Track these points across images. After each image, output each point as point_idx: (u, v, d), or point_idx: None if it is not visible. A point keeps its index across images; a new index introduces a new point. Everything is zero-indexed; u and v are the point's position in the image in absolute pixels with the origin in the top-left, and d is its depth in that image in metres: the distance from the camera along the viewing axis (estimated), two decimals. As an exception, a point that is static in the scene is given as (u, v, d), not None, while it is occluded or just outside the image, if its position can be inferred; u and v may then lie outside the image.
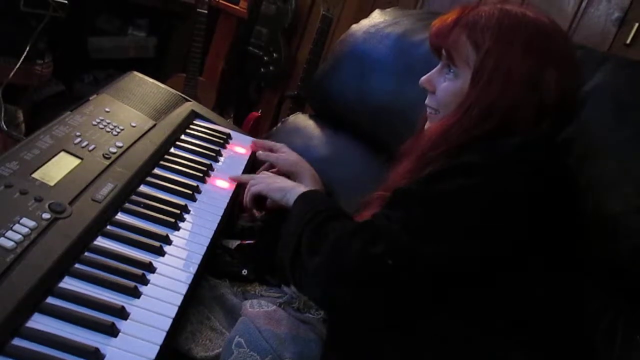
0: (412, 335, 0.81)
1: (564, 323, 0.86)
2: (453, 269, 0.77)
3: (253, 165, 1.32)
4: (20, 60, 1.68)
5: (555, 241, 0.83)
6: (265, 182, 1.08)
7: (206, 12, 2.42)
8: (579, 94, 0.93)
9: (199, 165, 1.20)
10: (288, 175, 1.19)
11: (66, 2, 1.85)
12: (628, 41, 1.87)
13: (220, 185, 1.17)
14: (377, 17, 1.53)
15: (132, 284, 0.83)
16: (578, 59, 0.94)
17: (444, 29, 0.92)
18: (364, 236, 0.77)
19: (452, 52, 0.90)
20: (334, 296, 0.81)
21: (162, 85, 1.42)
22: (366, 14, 1.61)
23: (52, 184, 0.92)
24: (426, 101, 0.97)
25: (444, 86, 0.93)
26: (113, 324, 0.75)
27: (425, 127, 0.98)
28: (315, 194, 1.00)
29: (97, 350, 0.71)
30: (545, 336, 0.83)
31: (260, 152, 1.29)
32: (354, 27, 1.56)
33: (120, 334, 0.75)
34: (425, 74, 0.98)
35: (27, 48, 1.72)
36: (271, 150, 1.29)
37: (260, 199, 1.12)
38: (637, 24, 1.85)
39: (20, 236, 0.79)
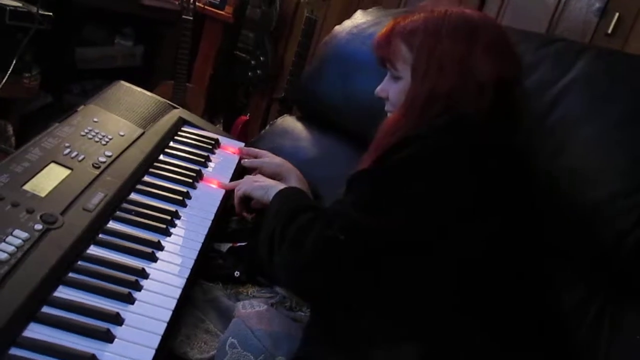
0: (391, 317, 0.83)
1: (526, 304, 0.89)
2: (402, 238, 0.81)
3: (242, 171, 1.33)
4: (8, 74, 1.68)
5: (505, 215, 0.87)
6: (248, 183, 1.13)
7: (192, 18, 2.43)
8: (520, 85, 1.01)
9: (188, 171, 1.22)
10: (274, 177, 1.22)
11: (51, 14, 1.86)
12: (609, 31, 1.89)
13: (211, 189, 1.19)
14: (359, 18, 1.54)
15: (125, 290, 0.84)
16: (513, 47, 1.01)
17: (382, 41, 1.03)
18: (320, 223, 0.82)
19: (392, 58, 1.00)
20: (304, 285, 0.86)
21: (149, 94, 1.44)
22: (351, 15, 1.63)
23: (43, 195, 0.93)
24: (385, 108, 1.07)
25: (392, 89, 1.03)
26: (108, 330, 0.76)
27: None
28: (291, 191, 1.05)
29: (93, 356, 0.72)
30: (508, 316, 0.85)
31: (245, 159, 1.33)
32: (337, 28, 1.58)
33: (116, 339, 0.77)
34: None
35: (14, 61, 1.72)
36: (256, 157, 1.33)
37: (248, 201, 1.15)
38: (617, 14, 1.88)
39: (13, 248, 0.80)
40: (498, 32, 0.98)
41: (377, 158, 0.90)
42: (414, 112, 0.93)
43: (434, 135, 0.87)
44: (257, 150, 1.36)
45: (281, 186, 1.06)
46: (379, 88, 1.06)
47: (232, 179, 1.28)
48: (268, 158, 1.30)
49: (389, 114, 1.04)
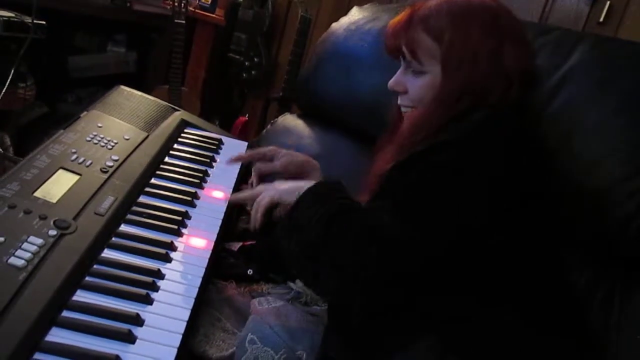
0: (410, 313, 0.83)
1: (547, 288, 0.89)
2: (447, 247, 0.79)
3: (247, 168, 1.33)
4: (6, 86, 1.67)
5: (531, 207, 0.87)
6: (273, 188, 0.97)
7: (184, 22, 2.43)
8: (535, 66, 0.98)
9: (194, 172, 1.22)
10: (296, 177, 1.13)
11: (44, 23, 1.86)
12: (601, 19, 1.91)
13: (216, 195, 1.19)
14: (356, 14, 1.55)
15: (143, 291, 0.85)
16: (527, 35, 0.98)
17: (400, 30, 0.96)
18: (362, 240, 0.78)
19: (415, 49, 0.94)
20: (350, 301, 0.83)
21: (150, 97, 1.44)
22: (343, 12, 1.64)
23: (54, 201, 0.93)
24: (399, 102, 1.00)
25: (414, 84, 0.96)
26: (130, 331, 0.77)
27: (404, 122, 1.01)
28: (324, 188, 0.91)
29: (117, 357, 0.73)
30: (527, 302, 0.86)
31: (258, 164, 1.17)
32: (334, 25, 1.58)
33: (137, 340, 0.77)
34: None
35: (11, 73, 1.71)
36: (265, 157, 1.18)
37: (271, 210, 0.99)
38: (608, 2, 1.89)
39: (29, 254, 0.81)
40: (516, 20, 0.96)
41: (409, 157, 0.86)
42: (445, 107, 0.90)
43: (467, 140, 0.84)
44: (263, 149, 1.20)
45: (311, 183, 0.92)
46: (393, 82, 0.99)
47: (237, 180, 1.27)
48: (285, 157, 1.16)
49: (403, 109, 1.00)
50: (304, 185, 0.91)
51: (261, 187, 0.99)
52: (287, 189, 0.94)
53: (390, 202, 0.82)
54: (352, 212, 0.83)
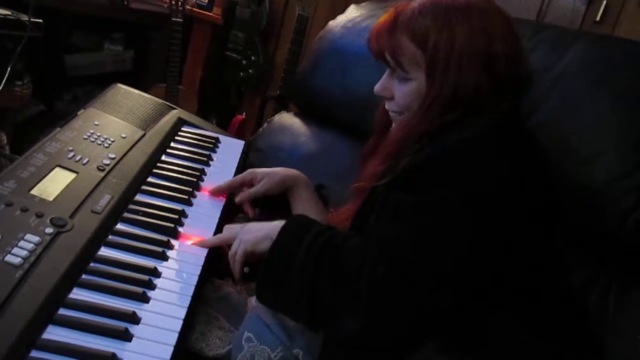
0: None
1: (546, 288, 0.88)
2: (458, 261, 0.78)
3: (244, 167, 1.33)
4: (2, 84, 1.67)
5: (536, 216, 0.85)
6: (244, 238, 0.95)
7: (181, 20, 2.43)
8: (528, 65, 0.94)
9: (191, 170, 1.22)
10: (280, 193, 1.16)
11: (41, 21, 1.85)
12: (597, 18, 1.92)
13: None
14: (353, 12, 1.55)
15: (139, 289, 0.85)
16: (516, 30, 0.93)
17: (384, 35, 0.92)
18: (366, 268, 0.77)
19: (399, 57, 0.90)
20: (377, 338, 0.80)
21: (147, 95, 1.44)
22: (340, 10, 1.64)
23: (50, 199, 0.93)
24: (386, 106, 0.98)
25: (400, 90, 0.93)
26: (126, 329, 0.77)
27: (392, 127, 0.99)
28: (295, 230, 0.89)
29: (114, 355, 0.73)
30: (531, 301, 0.86)
31: (241, 195, 1.17)
32: (331, 23, 1.58)
33: (134, 338, 0.77)
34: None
35: (8, 70, 1.71)
36: (243, 184, 1.19)
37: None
38: (605, 2, 1.90)
39: (26, 252, 0.81)
40: (503, 17, 0.91)
41: (403, 170, 0.84)
42: (433, 116, 0.87)
43: (470, 147, 0.81)
44: (238, 179, 1.19)
45: (281, 224, 0.90)
46: (379, 87, 0.96)
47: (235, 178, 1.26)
48: (265, 179, 1.15)
49: (391, 114, 0.97)
50: (275, 227, 0.89)
51: (234, 232, 0.99)
52: (260, 237, 0.93)
53: (398, 228, 0.80)
54: (339, 245, 0.82)
